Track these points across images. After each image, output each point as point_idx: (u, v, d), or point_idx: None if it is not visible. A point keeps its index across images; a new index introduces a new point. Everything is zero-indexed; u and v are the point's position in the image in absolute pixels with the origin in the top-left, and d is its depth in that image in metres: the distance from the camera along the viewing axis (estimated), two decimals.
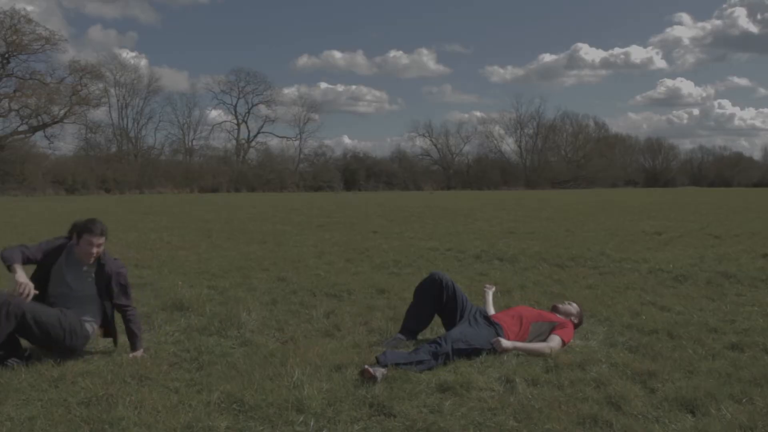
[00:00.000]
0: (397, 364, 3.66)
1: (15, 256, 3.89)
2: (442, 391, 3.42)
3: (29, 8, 66.79)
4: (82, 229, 4.09)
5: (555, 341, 4.23)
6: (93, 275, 4.14)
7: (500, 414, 3.12)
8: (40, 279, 4.06)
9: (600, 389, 3.44)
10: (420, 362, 3.75)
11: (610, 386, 3.45)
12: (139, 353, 4.11)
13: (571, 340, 4.37)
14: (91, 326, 4.12)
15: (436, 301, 4.53)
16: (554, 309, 4.73)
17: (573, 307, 4.76)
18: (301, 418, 3.02)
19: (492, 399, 3.31)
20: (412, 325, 4.53)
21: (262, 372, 3.65)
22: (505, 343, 4.09)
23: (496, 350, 4.06)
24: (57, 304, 4.00)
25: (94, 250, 4.08)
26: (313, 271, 7.68)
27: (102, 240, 4.11)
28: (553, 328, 4.35)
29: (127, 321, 4.19)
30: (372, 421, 3.04)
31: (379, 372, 3.53)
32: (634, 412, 3.12)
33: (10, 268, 3.87)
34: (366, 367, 3.57)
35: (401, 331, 4.49)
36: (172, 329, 4.80)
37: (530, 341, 4.28)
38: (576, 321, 4.74)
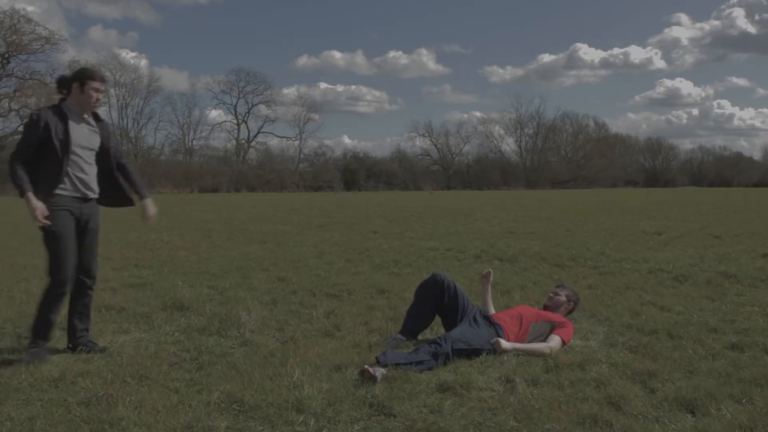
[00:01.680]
0: (397, 364, 3.66)
1: (25, 182, 3.86)
2: (442, 391, 3.41)
3: (29, 8, 67.11)
4: (84, 76, 4.04)
5: (555, 341, 4.23)
6: (97, 130, 4.17)
7: (500, 414, 3.12)
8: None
9: (600, 389, 3.44)
10: (420, 362, 3.75)
11: (610, 386, 3.45)
12: (149, 201, 4.37)
13: (572, 340, 4.37)
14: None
15: (437, 301, 4.52)
16: (546, 308, 4.74)
17: (561, 296, 4.76)
18: (301, 418, 3.02)
19: (492, 399, 3.30)
20: (412, 326, 4.53)
21: (262, 372, 3.65)
22: (505, 344, 4.08)
23: (495, 350, 4.06)
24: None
25: (100, 96, 4.10)
26: (313, 271, 7.68)
27: (105, 84, 4.15)
28: (553, 328, 4.35)
29: (129, 174, 4.34)
30: (372, 421, 3.04)
31: (379, 372, 3.52)
32: (634, 412, 3.12)
33: (22, 195, 3.86)
34: (366, 367, 3.57)
35: (401, 332, 4.48)
36: (172, 329, 4.80)
37: (530, 341, 4.28)
38: (571, 306, 4.76)
